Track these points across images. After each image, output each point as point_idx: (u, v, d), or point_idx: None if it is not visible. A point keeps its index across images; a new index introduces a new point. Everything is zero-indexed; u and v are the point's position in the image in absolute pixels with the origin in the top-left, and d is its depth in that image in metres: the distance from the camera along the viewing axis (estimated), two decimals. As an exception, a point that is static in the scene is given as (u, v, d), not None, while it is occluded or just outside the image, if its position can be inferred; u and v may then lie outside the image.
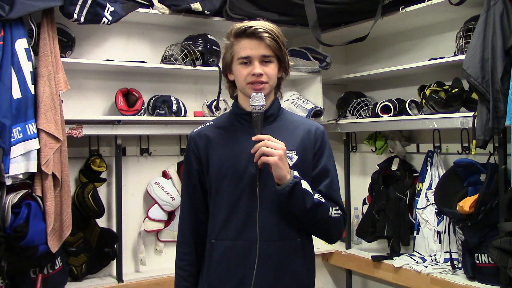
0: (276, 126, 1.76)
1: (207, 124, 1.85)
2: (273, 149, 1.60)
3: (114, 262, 2.96)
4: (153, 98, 3.07)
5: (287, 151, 1.67)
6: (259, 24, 1.68)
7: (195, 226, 1.82)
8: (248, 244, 1.68)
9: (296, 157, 1.72)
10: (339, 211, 1.74)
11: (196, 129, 1.84)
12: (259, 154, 1.61)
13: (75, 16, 2.63)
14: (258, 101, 1.65)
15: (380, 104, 3.19)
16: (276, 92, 1.81)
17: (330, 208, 1.71)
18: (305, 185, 1.66)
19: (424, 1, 2.81)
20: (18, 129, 2.37)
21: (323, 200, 1.69)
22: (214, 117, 2.13)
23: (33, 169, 2.41)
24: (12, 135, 2.34)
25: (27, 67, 2.42)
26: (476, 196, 2.60)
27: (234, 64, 1.72)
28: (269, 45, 1.67)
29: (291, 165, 1.68)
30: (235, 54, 1.71)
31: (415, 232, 3.15)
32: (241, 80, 1.70)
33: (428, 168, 3.10)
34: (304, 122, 1.83)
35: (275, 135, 1.65)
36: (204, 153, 1.78)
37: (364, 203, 3.53)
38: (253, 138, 1.63)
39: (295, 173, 1.65)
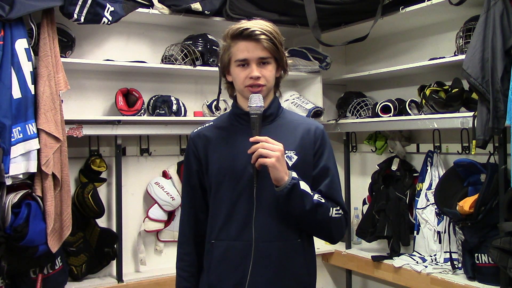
0: (276, 126, 1.75)
1: (207, 124, 1.84)
2: (270, 150, 1.59)
3: (114, 262, 2.96)
4: (153, 98, 3.07)
5: (287, 151, 1.67)
6: (256, 25, 1.66)
7: (196, 227, 1.82)
8: (248, 245, 1.67)
9: (295, 157, 1.71)
10: (340, 211, 1.73)
11: (196, 129, 1.84)
12: (256, 156, 1.60)
13: (75, 16, 2.63)
14: (256, 102, 1.64)
15: (380, 104, 3.19)
16: (276, 91, 1.79)
17: (331, 208, 1.69)
18: (304, 186, 1.64)
19: (424, 1, 2.81)
20: (18, 129, 2.37)
21: (323, 200, 1.68)
22: (214, 117, 2.13)
23: (33, 169, 2.41)
24: (12, 135, 2.34)
25: (27, 67, 2.42)
26: (476, 196, 2.60)
27: (232, 66, 1.70)
28: (266, 47, 1.65)
29: (290, 165, 1.67)
30: (232, 56, 1.69)
31: (415, 232, 3.15)
32: (239, 83, 1.69)
33: (428, 168, 3.10)
34: (304, 121, 1.82)
35: (275, 135, 1.65)
36: (204, 154, 1.77)
37: (364, 203, 3.53)
38: (251, 139, 1.62)
39: (294, 174, 1.64)
